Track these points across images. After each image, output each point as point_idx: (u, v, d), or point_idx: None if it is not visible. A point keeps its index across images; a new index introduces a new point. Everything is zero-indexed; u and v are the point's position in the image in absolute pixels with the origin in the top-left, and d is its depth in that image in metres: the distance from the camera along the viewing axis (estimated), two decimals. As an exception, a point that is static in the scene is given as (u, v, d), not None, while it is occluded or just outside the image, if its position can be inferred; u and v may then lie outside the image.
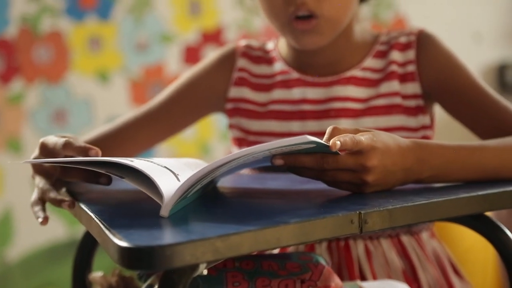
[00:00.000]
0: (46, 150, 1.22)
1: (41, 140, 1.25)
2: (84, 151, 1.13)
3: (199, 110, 1.56)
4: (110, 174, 1.10)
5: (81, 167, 1.14)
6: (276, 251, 1.36)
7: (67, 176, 1.20)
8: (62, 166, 1.19)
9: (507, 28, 3.48)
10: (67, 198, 1.16)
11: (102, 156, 1.14)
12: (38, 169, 1.25)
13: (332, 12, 1.37)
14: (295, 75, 1.50)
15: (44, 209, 1.20)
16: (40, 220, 1.17)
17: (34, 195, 1.22)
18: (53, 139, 1.22)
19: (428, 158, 1.16)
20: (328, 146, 1.04)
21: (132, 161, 1.04)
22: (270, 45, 1.57)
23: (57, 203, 1.16)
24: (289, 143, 1.01)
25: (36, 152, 1.25)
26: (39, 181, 1.23)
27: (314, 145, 1.04)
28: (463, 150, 1.20)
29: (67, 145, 1.17)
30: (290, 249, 1.40)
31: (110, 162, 1.06)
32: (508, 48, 3.48)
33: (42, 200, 1.21)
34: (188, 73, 1.56)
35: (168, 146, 3.13)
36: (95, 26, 3.11)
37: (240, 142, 1.52)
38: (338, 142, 1.04)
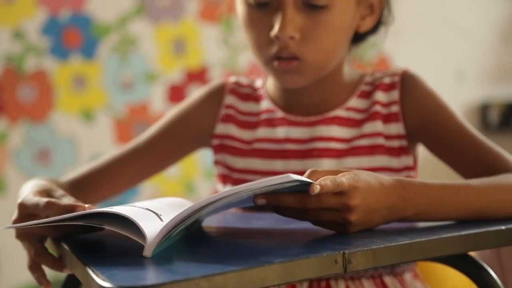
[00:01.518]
0: (26, 213, 1.17)
1: (19, 200, 1.19)
2: (70, 210, 1.10)
3: (187, 146, 1.56)
4: (89, 225, 1.07)
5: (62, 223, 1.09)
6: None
7: (53, 234, 1.15)
8: (45, 226, 1.13)
9: (489, 67, 3.51)
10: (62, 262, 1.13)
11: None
12: (22, 233, 1.20)
13: (316, 57, 1.37)
14: (279, 114, 1.50)
15: (44, 275, 1.17)
16: (43, 287, 1.15)
17: (28, 260, 1.18)
18: (33, 200, 1.17)
19: (412, 196, 1.16)
20: (312, 183, 1.04)
21: (111, 208, 1.03)
22: (258, 83, 1.57)
23: (57, 268, 1.14)
24: (273, 182, 1.01)
25: (15, 214, 1.19)
26: (28, 247, 1.18)
27: (297, 183, 1.04)
28: (447, 189, 1.20)
29: (51, 205, 1.13)
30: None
31: (89, 214, 1.05)
32: (490, 88, 3.51)
33: (38, 265, 1.17)
34: (176, 108, 1.57)
35: (152, 185, 3.12)
36: (80, 65, 3.12)
37: (225, 179, 1.52)
38: (318, 187, 1.04)
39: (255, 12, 1.39)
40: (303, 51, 1.36)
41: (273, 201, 1.08)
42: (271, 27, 1.37)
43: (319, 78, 1.43)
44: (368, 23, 1.46)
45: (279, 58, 1.37)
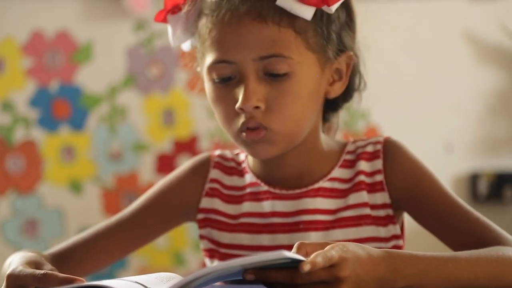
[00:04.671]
0: (15, 284, 1.16)
1: (8, 272, 1.18)
2: (68, 282, 1.08)
3: (172, 219, 1.55)
4: None
5: None
6: None
7: None
8: None
9: (478, 138, 3.52)
10: None
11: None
12: None
13: (283, 125, 1.36)
14: (264, 187, 1.49)
15: None
16: None
17: None
18: (27, 271, 1.15)
19: (401, 268, 1.15)
20: (303, 261, 1.04)
21: (101, 282, 1.02)
22: (241, 156, 1.57)
23: None
24: (265, 258, 1.01)
25: (3, 286, 1.17)
26: None
27: (289, 261, 1.04)
28: (436, 260, 1.19)
29: (49, 277, 1.11)
30: None
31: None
32: (479, 159, 3.52)
33: None
34: (161, 181, 1.56)
35: (140, 256, 3.10)
36: (68, 136, 3.12)
37: (212, 254, 1.51)
38: (308, 265, 1.04)
39: (220, 88, 1.39)
40: (269, 121, 1.36)
41: (263, 277, 1.07)
42: (236, 101, 1.37)
43: (294, 148, 1.42)
44: (337, 89, 1.45)
45: (247, 129, 1.37)
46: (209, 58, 1.38)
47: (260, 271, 1.07)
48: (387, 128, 3.35)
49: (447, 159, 3.46)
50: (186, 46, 1.47)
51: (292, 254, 1.02)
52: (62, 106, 3.12)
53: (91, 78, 3.16)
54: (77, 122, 3.14)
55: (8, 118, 3.06)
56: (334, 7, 1.35)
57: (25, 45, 3.11)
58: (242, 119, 1.36)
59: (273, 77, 1.36)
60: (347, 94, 1.49)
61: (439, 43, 3.49)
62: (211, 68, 1.38)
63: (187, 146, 3.23)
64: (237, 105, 1.35)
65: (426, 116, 3.46)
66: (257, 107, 1.35)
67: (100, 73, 3.16)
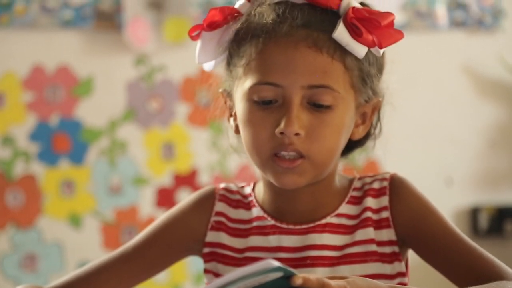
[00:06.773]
0: None
1: None
2: None
3: (176, 253, 1.54)
4: None
5: None
6: None
7: None
8: None
9: (478, 172, 3.52)
10: None
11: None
12: None
13: (320, 156, 1.37)
14: (270, 221, 1.48)
15: None
16: None
17: None
18: None
19: (409, 305, 1.15)
20: (295, 274, 1.03)
21: None
22: (247, 190, 1.56)
23: None
24: (253, 270, 1.00)
25: None
26: None
27: (281, 274, 1.03)
28: (443, 297, 1.19)
29: None
30: None
31: None
32: (479, 193, 3.52)
33: None
34: (165, 215, 1.55)
35: (140, 291, 3.09)
36: (68, 170, 3.12)
37: (216, 288, 1.50)
38: (300, 280, 1.03)
39: (258, 109, 1.37)
40: (307, 149, 1.35)
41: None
42: (274, 124, 1.35)
43: (312, 184, 1.42)
44: (361, 132, 1.46)
45: (278, 156, 1.36)
46: (253, 78, 1.37)
47: None
48: (387, 162, 3.34)
49: (447, 193, 3.45)
50: (209, 65, 1.46)
51: (281, 264, 1.01)
52: (62, 140, 3.12)
53: (91, 112, 3.16)
54: (77, 156, 3.14)
55: (8, 153, 3.06)
56: (382, 51, 1.37)
57: (26, 80, 3.12)
58: (277, 145, 1.35)
59: (316, 107, 1.35)
60: (364, 139, 1.50)
61: (438, 76, 3.50)
62: (254, 88, 1.36)
63: (187, 179, 3.23)
64: (279, 128, 1.34)
65: (426, 150, 3.46)
66: (297, 134, 1.34)
67: (100, 107, 3.17)
